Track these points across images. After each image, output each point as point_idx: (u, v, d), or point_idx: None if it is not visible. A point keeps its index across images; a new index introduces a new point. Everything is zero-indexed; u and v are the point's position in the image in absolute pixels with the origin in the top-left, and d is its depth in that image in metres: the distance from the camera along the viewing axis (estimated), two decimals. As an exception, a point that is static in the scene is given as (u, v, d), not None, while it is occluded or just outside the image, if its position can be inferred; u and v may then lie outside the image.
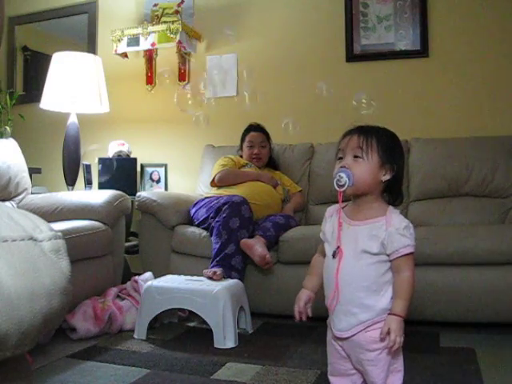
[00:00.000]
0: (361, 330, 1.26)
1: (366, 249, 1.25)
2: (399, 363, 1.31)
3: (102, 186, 3.57)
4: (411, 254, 1.24)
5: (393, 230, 1.23)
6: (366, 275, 1.25)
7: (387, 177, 1.29)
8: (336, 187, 1.26)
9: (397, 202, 1.34)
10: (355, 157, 1.28)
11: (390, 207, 1.30)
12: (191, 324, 2.60)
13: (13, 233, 0.67)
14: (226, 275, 2.50)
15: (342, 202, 1.28)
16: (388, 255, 1.24)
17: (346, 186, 1.24)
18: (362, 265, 1.25)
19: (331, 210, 1.37)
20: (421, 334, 2.39)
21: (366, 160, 1.27)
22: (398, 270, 1.24)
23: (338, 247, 1.27)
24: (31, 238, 0.69)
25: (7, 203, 2.88)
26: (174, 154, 3.88)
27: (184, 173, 3.83)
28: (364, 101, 3.36)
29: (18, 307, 0.62)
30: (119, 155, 3.69)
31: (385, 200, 1.33)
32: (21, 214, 0.74)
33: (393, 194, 1.33)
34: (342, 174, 1.25)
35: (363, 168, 1.27)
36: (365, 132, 1.31)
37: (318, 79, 3.57)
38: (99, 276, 2.69)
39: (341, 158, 1.31)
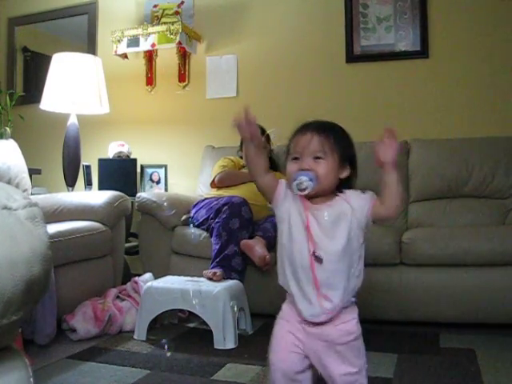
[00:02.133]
0: (335, 316, 1.22)
1: (333, 229, 1.22)
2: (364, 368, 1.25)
3: (101, 187, 3.57)
4: None
5: (354, 204, 1.23)
6: (340, 256, 1.22)
7: (345, 174, 1.27)
8: (296, 191, 1.21)
9: None
10: (316, 158, 1.23)
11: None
12: (191, 325, 2.59)
13: None
14: (226, 276, 2.50)
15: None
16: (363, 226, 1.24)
17: (308, 189, 1.19)
18: (335, 246, 1.21)
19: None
20: (421, 334, 2.39)
21: (327, 160, 1.23)
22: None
23: (314, 252, 1.21)
24: (5, 208, 0.69)
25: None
26: (174, 154, 3.88)
27: (184, 173, 3.83)
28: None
29: None
30: (119, 156, 3.69)
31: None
32: None
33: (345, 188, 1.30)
34: (304, 177, 1.20)
35: (327, 168, 1.23)
36: (323, 131, 1.26)
37: (318, 80, 3.57)
38: (99, 277, 2.69)
39: (296, 159, 1.26)
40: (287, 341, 1.26)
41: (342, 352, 1.22)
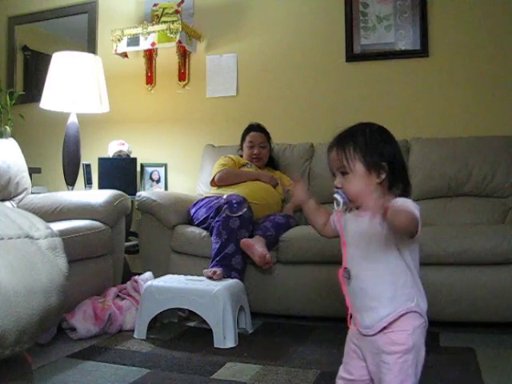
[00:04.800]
0: (385, 327, 1.20)
1: (371, 237, 1.22)
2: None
3: (101, 186, 3.57)
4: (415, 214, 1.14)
5: (393, 202, 1.16)
6: (378, 266, 1.22)
7: (383, 176, 1.23)
8: (336, 207, 1.26)
9: (407, 190, 1.27)
10: (343, 173, 1.25)
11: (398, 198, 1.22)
12: (191, 324, 2.60)
13: (9, 231, 0.67)
14: (226, 275, 2.50)
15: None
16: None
17: (341, 206, 1.24)
18: (372, 256, 1.22)
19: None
20: (421, 333, 2.39)
21: (351, 174, 1.24)
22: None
23: (345, 268, 1.26)
24: (27, 236, 0.69)
25: (7, 203, 2.88)
26: (174, 153, 3.88)
27: (184, 172, 3.84)
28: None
29: (16, 304, 0.63)
30: (119, 155, 3.69)
31: (393, 195, 1.25)
32: (17, 212, 0.74)
33: (400, 184, 1.26)
34: (337, 196, 1.24)
35: (353, 183, 1.23)
36: (342, 143, 1.26)
37: (318, 79, 3.57)
38: (99, 276, 2.69)
39: (333, 175, 1.30)
40: (349, 347, 1.30)
41: (390, 365, 1.18)
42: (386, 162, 1.23)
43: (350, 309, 1.28)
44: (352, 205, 1.26)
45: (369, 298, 1.22)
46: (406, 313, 1.20)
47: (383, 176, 1.23)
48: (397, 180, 1.25)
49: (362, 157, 1.23)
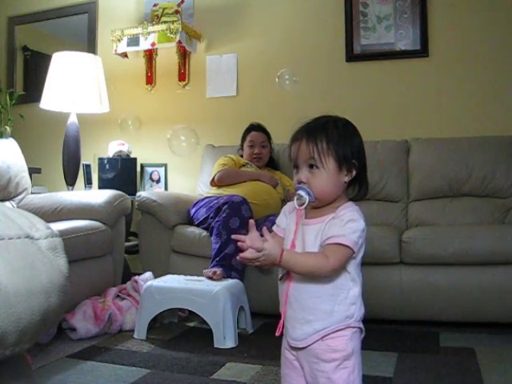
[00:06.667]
0: (317, 340, 1.11)
1: (313, 250, 1.12)
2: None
3: (101, 186, 3.57)
4: (345, 246, 1.08)
5: (336, 221, 1.10)
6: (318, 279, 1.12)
7: (353, 174, 1.15)
8: (296, 206, 1.13)
9: (362, 191, 1.19)
10: (310, 167, 1.13)
11: (348, 203, 1.16)
12: (191, 324, 2.60)
13: (9, 231, 0.67)
14: (226, 275, 2.50)
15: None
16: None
17: (306, 204, 1.12)
18: None
19: (291, 207, 1.20)
20: (421, 334, 2.39)
21: (322, 169, 1.12)
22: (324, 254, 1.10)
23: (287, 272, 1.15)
24: (28, 236, 0.69)
25: (7, 203, 2.88)
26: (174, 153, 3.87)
27: (184, 172, 3.83)
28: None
29: (16, 304, 0.63)
30: (119, 155, 3.69)
31: (347, 195, 1.19)
32: (17, 212, 0.74)
33: (358, 184, 1.18)
34: (302, 193, 1.12)
35: (322, 180, 1.12)
36: (313, 134, 1.14)
37: (318, 79, 3.57)
38: (99, 276, 2.69)
39: (296, 168, 1.17)
40: (287, 357, 1.20)
41: (329, 373, 1.10)
42: (356, 159, 1.15)
43: (283, 317, 1.17)
44: (317, 203, 1.14)
45: (304, 309, 1.13)
46: (343, 328, 1.12)
47: (353, 174, 1.15)
48: (358, 179, 1.17)
49: (335, 152, 1.13)
